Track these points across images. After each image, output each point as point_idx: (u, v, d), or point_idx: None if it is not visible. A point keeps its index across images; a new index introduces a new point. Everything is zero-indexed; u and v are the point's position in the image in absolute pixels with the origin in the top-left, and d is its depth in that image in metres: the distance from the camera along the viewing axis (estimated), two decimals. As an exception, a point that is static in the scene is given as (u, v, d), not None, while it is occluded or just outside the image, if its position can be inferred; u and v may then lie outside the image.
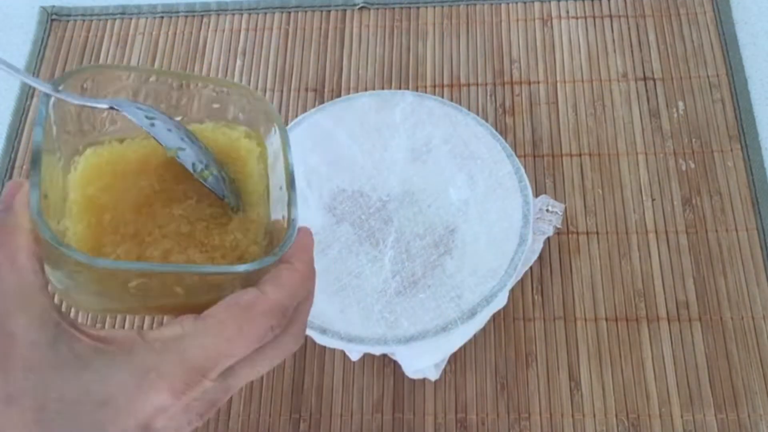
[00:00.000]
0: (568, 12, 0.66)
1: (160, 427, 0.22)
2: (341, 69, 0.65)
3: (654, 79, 0.62)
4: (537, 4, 0.67)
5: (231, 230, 0.28)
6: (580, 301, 0.54)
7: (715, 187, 0.57)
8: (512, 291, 0.54)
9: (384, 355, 0.52)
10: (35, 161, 0.23)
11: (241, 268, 0.25)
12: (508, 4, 0.67)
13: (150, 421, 0.22)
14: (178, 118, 0.30)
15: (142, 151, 0.28)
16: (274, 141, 0.29)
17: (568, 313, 0.54)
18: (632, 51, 0.64)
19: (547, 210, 0.54)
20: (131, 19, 0.69)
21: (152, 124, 0.27)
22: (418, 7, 0.68)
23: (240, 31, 0.68)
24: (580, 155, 0.59)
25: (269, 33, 0.68)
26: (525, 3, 0.67)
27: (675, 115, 0.61)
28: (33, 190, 0.22)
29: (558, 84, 0.63)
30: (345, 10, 0.68)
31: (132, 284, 0.24)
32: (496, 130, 0.56)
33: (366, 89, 0.64)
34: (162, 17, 0.69)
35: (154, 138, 0.27)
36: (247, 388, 0.52)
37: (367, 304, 0.49)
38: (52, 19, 0.70)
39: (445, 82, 0.64)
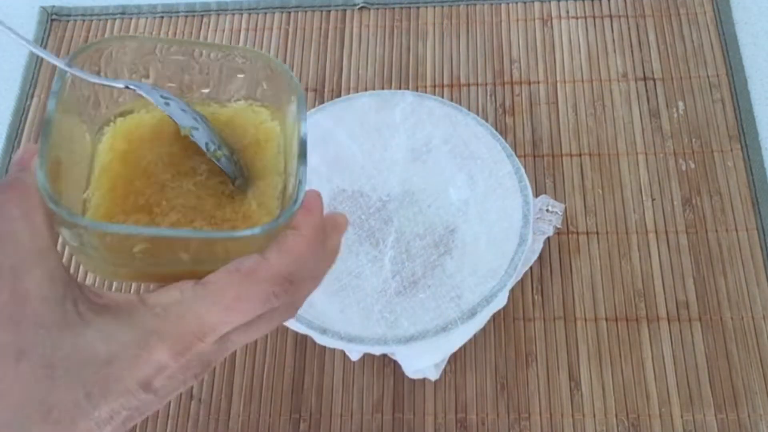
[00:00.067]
0: (568, 12, 0.66)
1: (158, 385, 0.23)
2: (341, 69, 0.65)
3: (654, 79, 0.62)
4: (537, 4, 0.67)
5: (241, 204, 0.28)
6: (580, 301, 0.54)
7: (715, 187, 0.57)
8: (512, 291, 0.54)
9: (384, 355, 0.52)
10: (45, 130, 0.24)
11: (243, 232, 0.24)
12: (508, 4, 0.67)
13: (150, 380, 0.23)
14: (205, 90, 0.30)
15: (156, 124, 0.29)
16: (291, 112, 0.29)
17: (568, 313, 0.54)
18: (632, 51, 0.64)
19: (547, 210, 0.54)
20: (131, 19, 0.69)
21: (167, 104, 0.27)
22: (418, 7, 0.68)
23: (240, 31, 0.68)
24: (580, 155, 0.59)
25: (269, 33, 0.68)
26: (525, 3, 0.67)
27: (675, 115, 0.61)
28: (40, 157, 0.23)
29: (558, 84, 0.63)
30: (345, 10, 0.68)
31: (137, 249, 0.24)
32: (496, 130, 0.56)
33: (366, 89, 0.64)
34: (162, 17, 0.69)
35: (170, 116, 0.27)
36: (247, 388, 0.53)
37: (367, 304, 0.49)
38: (52, 19, 0.70)
39: (445, 82, 0.64)
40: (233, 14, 0.69)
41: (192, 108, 0.28)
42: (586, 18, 0.66)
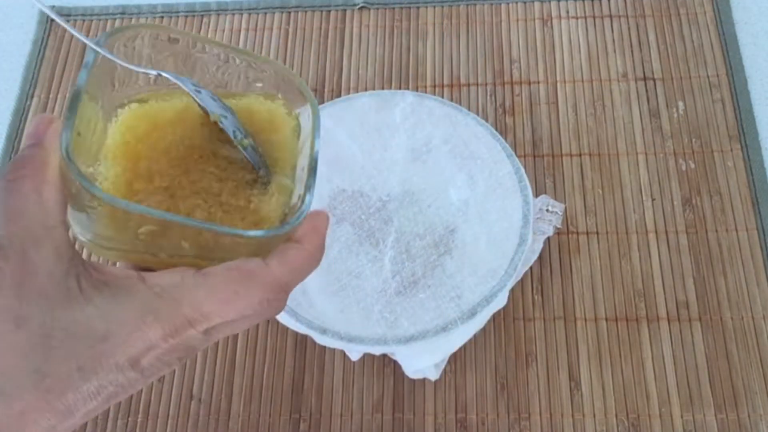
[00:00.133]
0: (568, 12, 0.66)
1: (146, 364, 0.24)
2: (341, 69, 0.65)
3: (654, 79, 0.62)
4: (537, 4, 0.67)
5: (255, 195, 0.28)
6: (580, 301, 0.54)
7: (715, 187, 0.57)
8: (512, 291, 0.54)
9: (384, 355, 0.52)
10: (74, 101, 0.25)
11: (246, 233, 0.25)
12: (508, 4, 0.67)
13: (139, 357, 0.23)
14: (222, 90, 0.31)
15: (180, 109, 0.30)
16: (306, 122, 0.30)
17: (568, 313, 0.54)
18: (632, 51, 0.64)
19: (547, 210, 0.54)
20: (131, 19, 0.69)
21: (198, 92, 0.28)
22: (418, 7, 0.68)
23: (240, 31, 0.68)
24: (580, 155, 0.59)
25: (269, 33, 0.68)
26: (525, 3, 0.67)
27: (675, 115, 0.61)
28: (66, 128, 0.24)
29: (558, 84, 0.63)
30: (345, 10, 0.68)
31: (142, 230, 0.25)
32: (496, 130, 0.56)
33: (366, 89, 0.64)
34: (162, 17, 0.69)
35: (200, 104, 0.28)
36: (247, 388, 0.53)
37: (367, 304, 0.49)
38: (52, 19, 0.70)
39: (445, 82, 0.64)
40: (233, 14, 0.69)
41: (220, 99, 0.29)
42: (586, 18, 0.66)
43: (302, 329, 0.48)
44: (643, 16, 0.65)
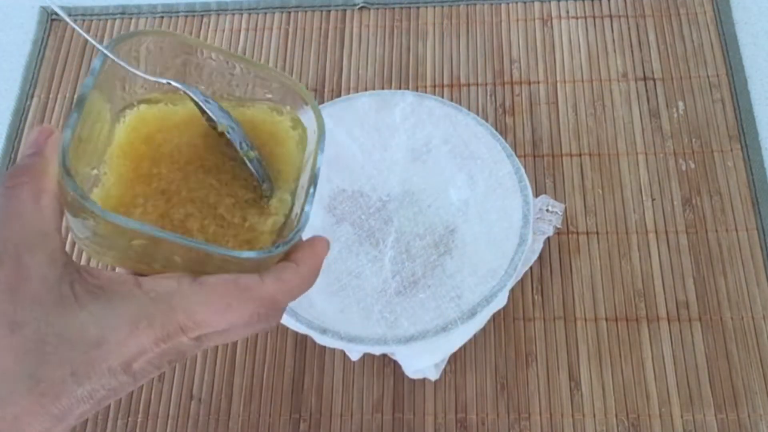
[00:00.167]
0: (568, 12, 0.66)
1: (137, 368, 0.24)
2: (341, 69, 0.65)
3: (654, 79, 0.62)
4: (537, 4, 0.67)
5: (252, 215, 0.28)
6: (580, 301, 0.54)
7: (715, 187, 0.57)
8: (512, 291, 0.54)
9: (384, 355, 0.52)
10: (77, 108, 0.25)
11: (238, 254, 0.25)
12: (508, 4, 0.67)
13: (131, 362, 0.24)
14: (231, 98, 0.31)
15: (188, 114, 0.30)
16: (312, 137, 0.30)
17: (568, 313, 0.54)
18: (632, 51, 0.64)
19: (547, 210, 0.54)
20: (131, 19, 0.69)
21: (207, 101, 0.28)
22: (418, 7, 0.68)
23: (240, 31, 0.68)
24: (580, 155, 0.59)
25: (269, 33, 0.68)
26: (525, 3, 0.67)
27: (675, 115, 0.61)
28: (65, 138, 0.24)
29: (558, 84, 0.63)
30: (345, 10, 0.68)
31: (135, 242, 0.25)
32: (496, 130, 0.56)
33: (366, 89, 0.64)
34: (162, 17, 0.69)
35: (209, 114, 0.28)
36: (247, 388, 0.53)
37: (367, 304, 0.49)
38: (52, 19, 0.70)
39: (445, 82, 0.64)
40: (233, 14, 0.69)
41: (227, 111, 0.29)
42: (586, 18, 0.66)
43: (302, 329, 0.48)
44: (643, 16, 0.65)
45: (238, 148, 0.28)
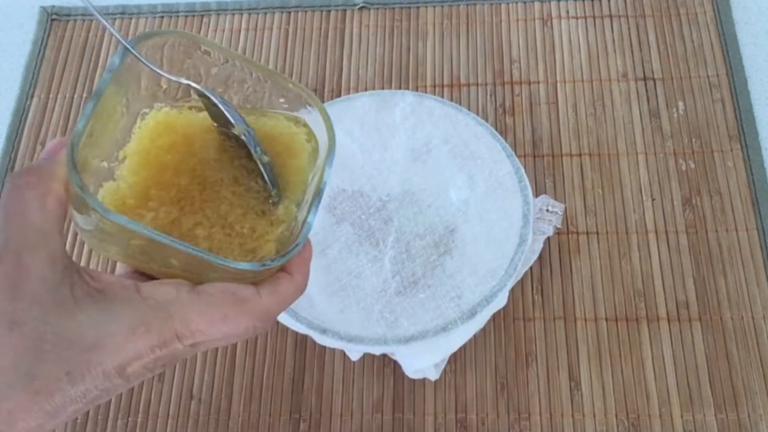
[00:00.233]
0: (568, 12, 0.66)
1: (131, 371, 0.24)
2: (341, 69, 0.65)
3: (654, 79, 0.62)
4: (537, 4, 0.67)
5: (261, 224, 0.29)
6: (580, 301, 0.54)
7: (715, 187, 0.57)
8: (512, 291, 0.54)
9: (384, 355, 0.52)
10: (92, 102, 0.25)
11: (236, 265, 0.26)
12: (508, 4, 0.67)
13: (126, 366, 0.24)
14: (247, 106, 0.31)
15: (208, 125, 0.30)
16: (322, 151, 0.31)
17: (568, 313, 0.54)
18: (632, 51, 0.64)
19: (547, 210, 0.54)
20: (131, 19, 0.69)
21: (225, 104, 0.29)
22: (418, 7, 0.68)
23: (240, 31, 0.68)
24: (580, 155, 0.59)
25: (269, 33, 0.68)
26: (525, 3, 0.67)
27: (675, 115, 0.61)
28: (75, 135, 0.24)
29: (558, 84, 0.63)
30: (345, 10, 0.68)
31: (133, 242, 0.26)
32: (496, 130, 0.56)
33: (366, 89, 0.64)
34: (162, 17, 0.69)
35: (227, 115, 0.28)
36: (247, 388, 0.53)
37: (367, 304, 0.49)
38: (52, 19, 0.70)
39: (445, 82, 0.64)
40: (233, 14, 0.69)
41: (242, 116, 0.30)
42: (586, 18, 0.66)
43: (302, 329, 0.48)
44: (643, 16, 0.65)
45: (252, 150, 0.29)
